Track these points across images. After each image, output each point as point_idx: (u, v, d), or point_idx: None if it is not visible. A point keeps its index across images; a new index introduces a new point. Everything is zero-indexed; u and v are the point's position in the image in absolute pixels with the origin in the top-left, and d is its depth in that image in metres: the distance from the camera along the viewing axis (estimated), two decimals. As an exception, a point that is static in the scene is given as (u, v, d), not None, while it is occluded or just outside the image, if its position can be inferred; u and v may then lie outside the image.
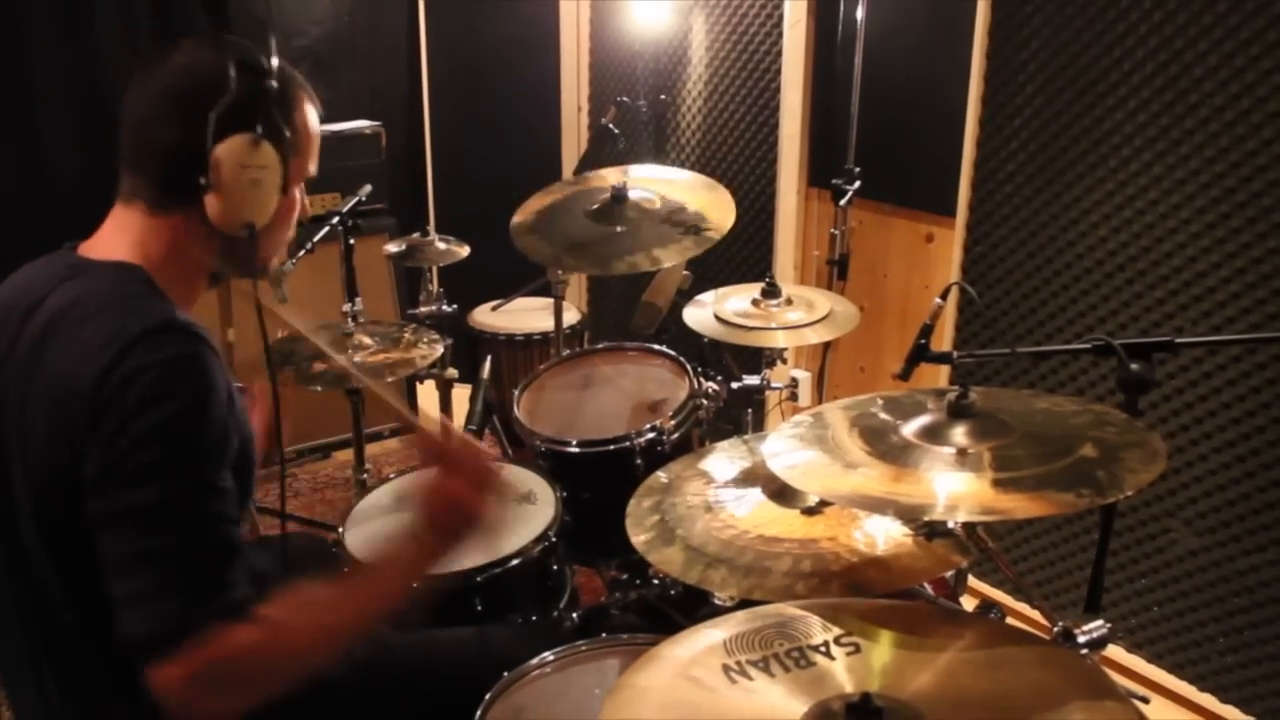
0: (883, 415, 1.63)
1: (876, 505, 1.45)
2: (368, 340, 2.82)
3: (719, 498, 1.87)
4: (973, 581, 3.09)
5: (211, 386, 1.33)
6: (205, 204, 1.42)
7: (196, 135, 1.39)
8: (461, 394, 2.84)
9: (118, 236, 1.47)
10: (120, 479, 1.28)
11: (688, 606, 2.26)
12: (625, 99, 3.95)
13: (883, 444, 1.53)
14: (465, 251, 3.25)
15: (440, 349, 2.87)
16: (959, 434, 1.50)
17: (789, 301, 2.64)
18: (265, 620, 1.31)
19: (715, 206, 2.73)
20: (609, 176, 2.89)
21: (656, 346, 2.79)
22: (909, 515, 1.59)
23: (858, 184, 3.11)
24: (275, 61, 1.45)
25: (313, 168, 1.57)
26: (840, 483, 1.46)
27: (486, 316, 3.92)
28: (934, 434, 1.52)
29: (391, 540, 1.50)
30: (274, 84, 1.43)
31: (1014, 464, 1.41)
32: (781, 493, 1.81)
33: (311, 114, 1.54)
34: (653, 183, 2.88)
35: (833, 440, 1.58)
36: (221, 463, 1.34)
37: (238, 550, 1.34)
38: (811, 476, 1.52)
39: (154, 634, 1.25)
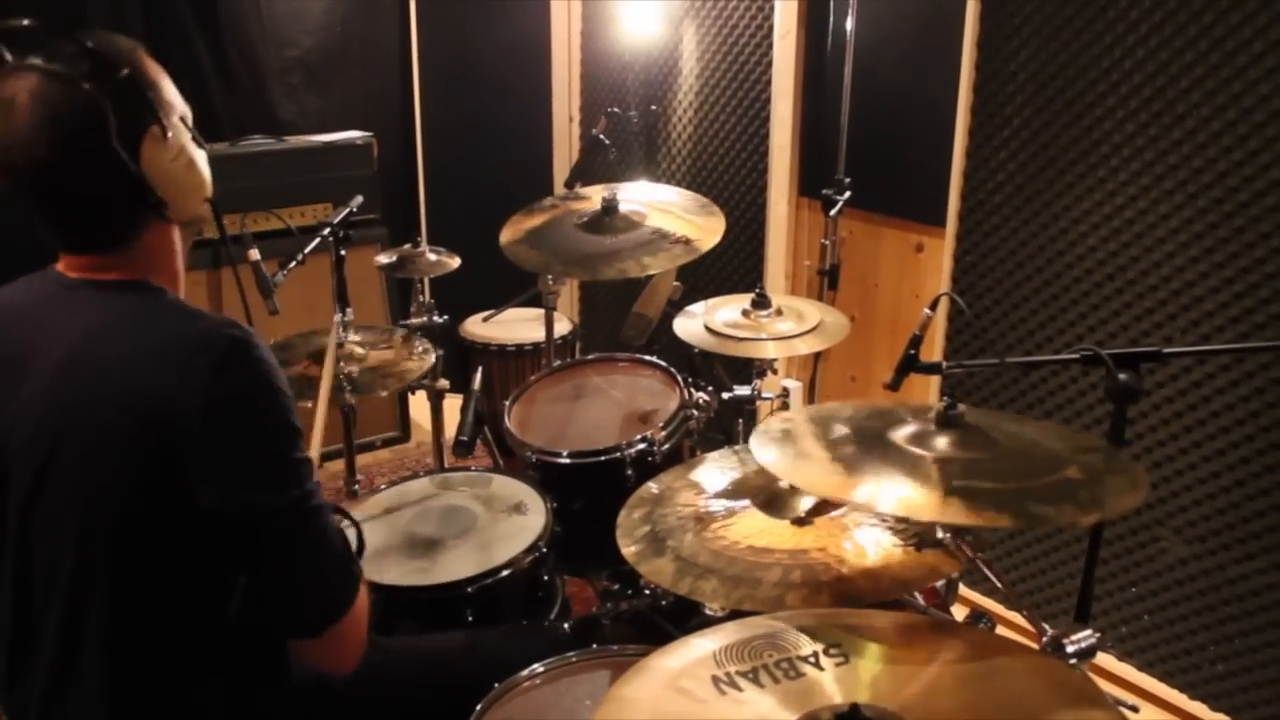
0: (870, 423, 1.65)
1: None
2: (359, 350, 2.82)
3: (710, 508, 1.88)
4: (963, 591, 3.08)
5: (282, 378, 1.42)
6: (167, 211, 1.44)
7: (118, 168, 1.37)
8: (453, 404, 2.83)
9: (100, 266, 1.45)
10: (263, 485, 1.38)
11: (679, 617, 2.26)
12: (616, 109, 3.97)
13: (870, 449, 1.55)
14: (456, 263, 3.24)
15: (432, 359, 2.87)
16: (945, 444, 1.51)
17: (779, 312, 2.64)
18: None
19: (704, 232, 2.73)
20: (595, 198, 2.90)
21: (647, 357, 2.80)
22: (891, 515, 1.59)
23: (848, 194, 3.12)
24: (103, 44, 1.40)
25: (185, 105, 1.53)
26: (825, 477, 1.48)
27: (478, 327, 3.92)
28: (922, 442, 1.53)
29: None
30: (126, 71, 1.39)
31: (1005, 476, 1.42)
32: (772, 503, 1.82)
33: (150, 63, 1.47)
34: (643, 205, 2.89)
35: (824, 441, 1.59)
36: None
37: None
38: (802, 471, 1.53)
39: (330, 614, 1.45)
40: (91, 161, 1.37)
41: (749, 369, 2.72)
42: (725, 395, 2.67)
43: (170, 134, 1.42)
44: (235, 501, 1.36)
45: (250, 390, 1.36)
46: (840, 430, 1.63)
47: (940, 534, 1.63)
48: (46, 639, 1.45)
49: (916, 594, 2.04)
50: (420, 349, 2.86)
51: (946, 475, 1.44)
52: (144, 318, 1.42)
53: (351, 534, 1.55)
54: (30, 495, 1.40)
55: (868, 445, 1.55)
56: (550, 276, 3.06)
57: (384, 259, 3.30)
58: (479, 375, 2.68)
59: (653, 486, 2.01)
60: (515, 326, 3.90)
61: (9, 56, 1.39)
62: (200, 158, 1.50)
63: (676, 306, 2.83)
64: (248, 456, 1.37)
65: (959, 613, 2.25)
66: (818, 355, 3.24)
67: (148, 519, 1.36)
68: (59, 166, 1.36)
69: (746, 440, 2.75)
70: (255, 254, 2.57)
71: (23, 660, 1.48)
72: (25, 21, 1.41)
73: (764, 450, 1.60)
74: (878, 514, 1.70)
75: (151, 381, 1.33)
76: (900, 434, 1.57)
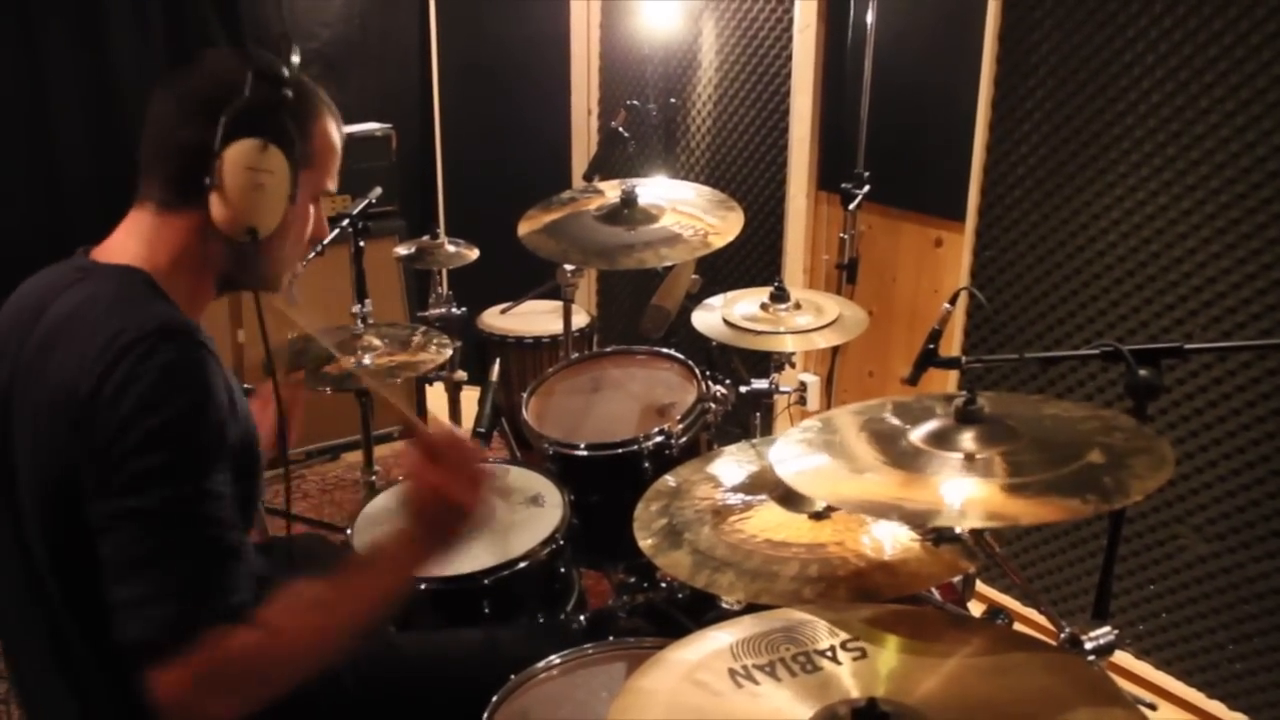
0: (892, 420, 1.63)
1: (884, 511, 1.45)
2: (377, 342, 2.83)
3: (727, 501, 1.88)
4: (980, 587, 3.08)
5: (208, 391, 1.33)
6: (210, 205, 1.43)
7: (206, 136, 1.40)
8: (470, 396, 2.84)
9: (127, 241, 1.49)
10: (118, 484, 1.29)
11: (695, 610, 2.26)
12: (635, 102, 3.97)
13: (892, 449, 1.54)
14: (475, 254, 3.25)
15: (449, 351, 2.87)
16: (967, 439, 1.50)
17: (797, 306, 2.64)
18: (263, 623, 1.30)
19: (722, 228, 2.73)
20: (613, 191, 2.90)
21: (665, 350, 2.80)
22: (916, 521, 1.59)
23: (867, 188, 3.11)
24: (294, 72, 1.47)
25: (331, 184, 1.59)
26: (848, 488, 1.47)
27: (496, 319, 3.93)
28: (942, 439, 1.52)
29: (385, 537, 1.49)
30: (289, 93, 1.44)
31: (1021, 470, 1.41)
32: (789, 497, 1.82)
33: (332, 129, 1.55)
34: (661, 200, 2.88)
35: (841, 445, 1.58)
36: (217, 467, 1.34)
37: (235, 554, 1.34)
38: (820, 482, 1.52)
39: (152, 639, 1.25)
40: (198, 116, 1.42)
41: (767, 363, 2.72)
42: (743, 389, 2.67)
43: (269, 153, 1.42)
44: (92, 500, 1.30)
45: (130, 384, 1.29)
46: (863, 438, 1.61)
47: (958, 529, 1.62)
48: (14, 620, 1.48)
49: (934, 589, 2.04)
50: (437, 342, 2.86)
51: (995, 472, 1.42)
52: (102, 307, 1.39)
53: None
54: (4, 472, 1.43)
55: (896, 452, 1.53)
56: (568, 268, 3.06)
57: (402, 250, 3.32)
58: (496, 367, 2.68)
59: (670, 479, 2.01)
60: (533, 319, 3.90)
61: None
62: (282, 205, 1.46)
63: (695, 299, 2.83)
64: (107, 454, 1.29)
65: (976, 609, 2.25)
66: (836, 349, 3.23)
67: (64, 507, 1.33)
68: (179, 104, 1.45)
69: (764, 434, 2.76)
70: (296, 268, 2.58)
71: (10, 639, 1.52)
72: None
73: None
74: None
75: (69, 370, 1.33)
76: (919, 434, 1.55)
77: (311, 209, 1.57)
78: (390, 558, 1.47)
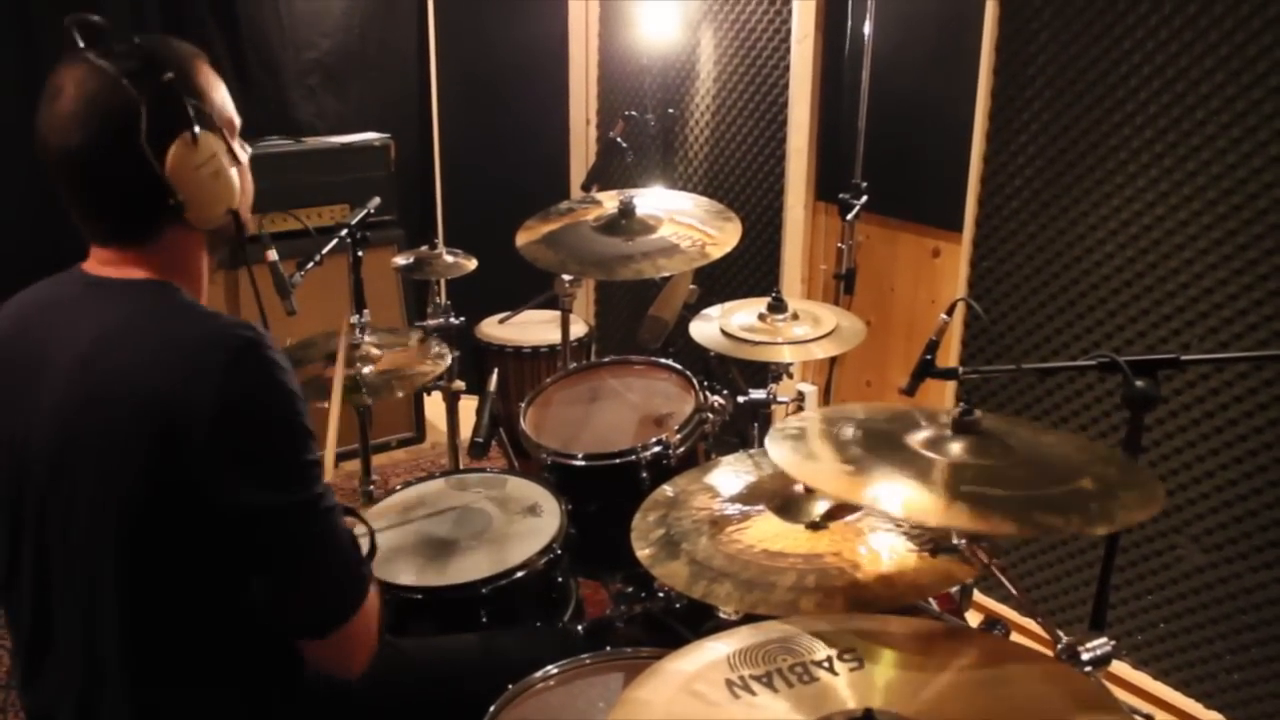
0: (889, 424, 1.64)
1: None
2: (375, 351, 2.82)
3: (724, 512, 1.88)
4: (978, 597, 3.08)
5: (294, 379, 1.43)
6: (185, 216, 1.45)
7: (142, 166, 1.39)
8: (468, 406, 2.84)
9: (122, 262, 1.48)
10: (274, 486, 1.39)
11: (693, 620, 2.26)
12: (633, 112, 3.97)
13: (877, 447, 1.55)
14: (473, 264, 3.25)
15: (447, 361, 2.87)
16: (956, 448, 1.51)
17: (795, 316, 2.64)
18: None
19: (720, 238, 2.73)
20: (611, 202, 2.90)
21: (663, 360, 2.80)
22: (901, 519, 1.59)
23: (865, 198, 3.12)
24: (160, 49, 1.44)
25: (235, 114, 1.57)
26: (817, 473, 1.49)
27: (494, 329, 3.93)
28: (934, 445, 1.53)
29: None
30: (170, 75, 1.41)
31: (1004, 483, 1.42)
32: (786, 508, 1.82)
33: (206, 72, 1.51)
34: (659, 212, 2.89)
35: (829, 435, 1.60)
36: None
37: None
38: (812, 470, 1.53)
39: (336, 616, 1.47)
40: (118, 156, 1.40)
41: (764, 373, 2.72)
42: (740, 399, 2.67)
43: (200, 141, 1.42)
44: (245, 503, 1.37)
45: (260, 391, 1.37)
46: (852, 431, 1.62)
47: (955, 540, 1.63)
48: (65, 638, 1.46)
49: (931, 600, 2.04)
50: (435, 351, 2.86)
51: (956, 480, 1.43)
52: (157, 318, 1.42)
53: (364, 538, 1.57)
54: (47, 494, 1.41)
55: (881, 448, 1.55)
56: (566, 278, 3.06)
57: (401, 260, 3.31)
58: (495, 377, 2.68)
59: (668, 489, 2.01)
60: (531, 328, 3.91)
61: (83, 47, 1.43)
62: (233, 170, 1.50)
63: (692, 310, 2.83)
64: (257, 458, 1.37)
65: (973, 619, 2.25)
66: (833, 360, 3.23)
67: (159, 520, 1.36)
68: (88, 156, 1.41)
69: (762, 444, 2.76)
70: (273, 254, 2.59)
71: (40, 658, 1.50)
72: (97, 19, 1.44)
73: (778, 448, 1.59)
74: (884, 515, 1.69)
75: (161, 383, 1.34)
76: (915, 438, 1.56)
77: (239, 147, 1.56)
78: None
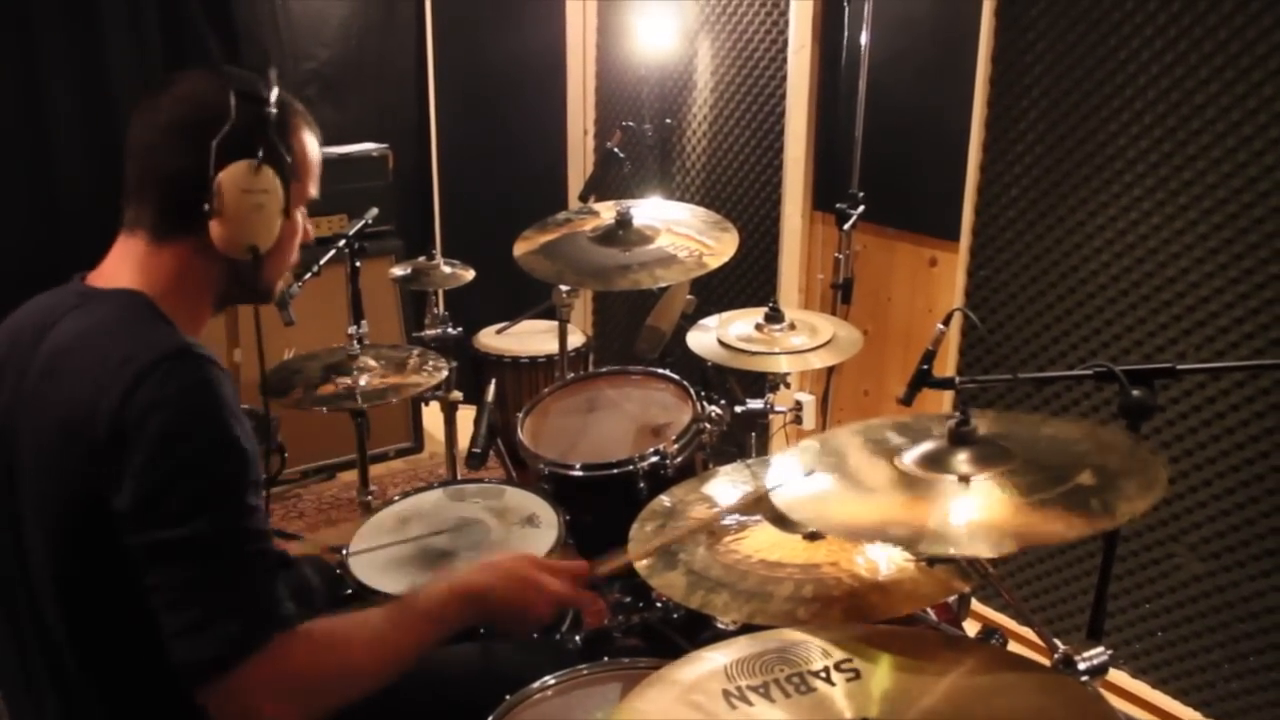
0: (888, 440, 1.63)
1: (875, 535, 1.45)
2: (372, 363, 2.83)
3: (722, 522, 1.87)
4: (976, 606, 3.08)
5: (230, 410, 1.36)
6: (210, 230, 1.45)
7: (199, 162, 1.42)
8: (466, 416, 2.84)
9: (122, 266, 1.49)
10: (161, 515, 1.30)
11: (691, 630, 2.26)
12: (631, 123, 3.97)
13: (887, 473, 1.53)
14: (470, 275, 3.26)
15: (445, 372, 2.88)
16: (961, 461, 1.50)
17: (792, 326, 2.64)
18: (323, 633, 1.40)
19: (717, 248, 2.74)
20: (609, 212, 2.91)
21: (660, 370, 2.80)
22: (910, 544, 1.58)
23: (862, 208, 3.12)
24: (275, 90, 1.50)
25: (314, 191, 1.62)
26: (842, 512, 1.47)
27: (492, 339, 3.93)
28: (936, 462, 1.52)
29: (457, 589, 1.58)
30: (273, 111, 1.47)
31: (1017, 492, 1.41)
32: (784, 517, 1.81)
33: (310, 139, 1.58)
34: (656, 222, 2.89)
35: (838, 468, 1.58)
36: (250, 483, 1.37)
37: (278, 565, 1.40)
38: (813, 507, 1.52)
39: (219, 657, 1.30)
40: (186, 144, 1.43)
41: (762, 383, 2.72)
42: (738, 409, 2.67)
43: (261, 173, 1.45)
44: (130, 524, 1.31)
45: (162, 406, 1.30)
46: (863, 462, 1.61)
47: (951, 550, 1.62)
48: (16, 645, 1.48)
49: (929, 609, 2.04)
50: (432, 364, 2.86)
51: (997, 494, 1.42)
52: (108, 331, 1.40)
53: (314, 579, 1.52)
54: (7, 508, 1.42)
55: (892, 476, 1.53)
56: (564, 289, 3.07)
57: (399, 271, 3.32)
58: (492, 387, 2.68)
59: (665, 499, 2.01)
60: (529, 339, 3.91)
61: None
62: (278, 219, 1.50)
63: (690, 320, 2.83)
64: (143, 479, 1.29)
65: (971, 628, 2.25)
66: (831, 369, 3.24)
67: (85, 538, 1.34)
68: (163, 136, 1.46)
69: (760, 454, 2.77)
70: (288, 275, 2.59)
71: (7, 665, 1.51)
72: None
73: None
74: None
75: (84, 395, 1.33)
76: (913, 456, 1.55)
77: (300, 217, 1.60)
78: (455, 613, 1.56)
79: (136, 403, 1.30)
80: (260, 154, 1.45)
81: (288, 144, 1.50)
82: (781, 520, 1.82)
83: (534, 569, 1.65)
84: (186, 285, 1.50)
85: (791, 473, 1.57)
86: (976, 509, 1.39)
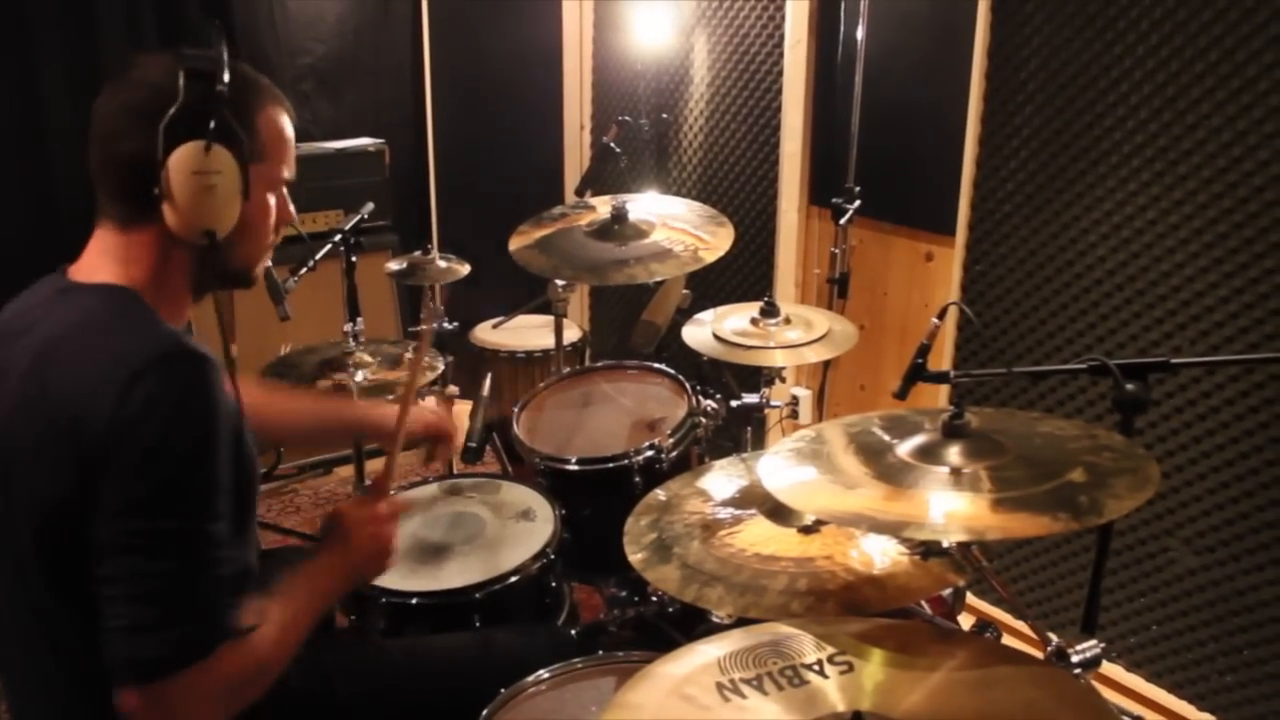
0: (880, 434, 1.64)
1: (869, 524, 1.46)
2: (368, 358, 2.83)
3: (717, 515, 1.88)
4: (971, 600, 3.09)
5: (219, 414, 1.36)
6: (164, 214, 1.42)
7: (149, 146, 1.39)
8: (462, 410, 2.84)
9: (99, 259, 1.48)
10: (137, 509, 1.30)
11: (686, 624, 2.26)
12: (627, 118, 3.98)
13: (879, 463, 1.54)
14: (466, 270, 3.26)
15: (441, 366, 2.88)
16: (953, 454, 1.51)
17: (787, 320, 2.65)
18: (253, 638, 1.40)
19: (713, 243, 2.74)
20: (604, 207, 2.91)
21: (656, 365, 2.81)
22: (896, 531, 1.59)
23: (858, 203, 3.12)
24: (226, 67, 1.44)
25: (287, 172, 1.58)
26: (835, 501, 1.47)
27: (488, 334, 3.93)
28: (929, 454, 1.53)
29: (321, 561, 1.64)
30: (223, 89, 1.42)
31: (1005, 485, 1.42)
32: (778, 511, 1.82)
33: (279, 118, 1.54)
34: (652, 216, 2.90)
35: (829, 458, 1.59)
36: (223, 491, 1.37)
37: (235, 575, 1.40)
38: (806, 495, 1.53)
39: (161, 659, 1.30)
40: (135, 128, 1.41)
41: (758, 377, 2.73)
42: (733, 403, 2.68)
43: (213, 154, 1.41)
44: (105, 517, 1.31)
45: (157, 408, 1.30)
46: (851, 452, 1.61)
47: (946, 543, 1.63)
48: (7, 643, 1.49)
49: (923, 603, 2.04)
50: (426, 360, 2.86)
51: (981, 487, 1.43)
52: (97, 329, 1.39)
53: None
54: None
55: (883, 466, 1.54)
56: (560, 283, 3.07)
57: (394, 266, 3.32)
58: (488, 382, 2.69)
59: (660, 494, 2.01)
60: (525, 333, 3.91)
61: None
62: (235, 200, 1.45)
63: (685, 314, 2.84)
64: (130, 472, 1.30)
65: (966, 622, 2.25)
66: (827, 364, 3.24)
67: (70, 535, 1.34)
68: (115, 122, 1.44)
69: (755, 448, 2.77)
70: (266, 260, 2.59)
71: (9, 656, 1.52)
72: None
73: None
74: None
75: (75, 394, 1.32)
76: (906, 449, 1.56)
77: (272, 199, 1.55)
78: (331, 583, 1.62)
79: (133, 404, 1.29)
80: (211, 134, 1.40)
81: (246, 122, 1.45)
82: (776, 514, 1.82)
83: (357, 513, 1.69)
84: (162, 274, 1.47)
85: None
86: (963, 500, 1.40)
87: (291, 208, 1.63)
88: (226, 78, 1.43)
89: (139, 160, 1.40)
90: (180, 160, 1.40)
